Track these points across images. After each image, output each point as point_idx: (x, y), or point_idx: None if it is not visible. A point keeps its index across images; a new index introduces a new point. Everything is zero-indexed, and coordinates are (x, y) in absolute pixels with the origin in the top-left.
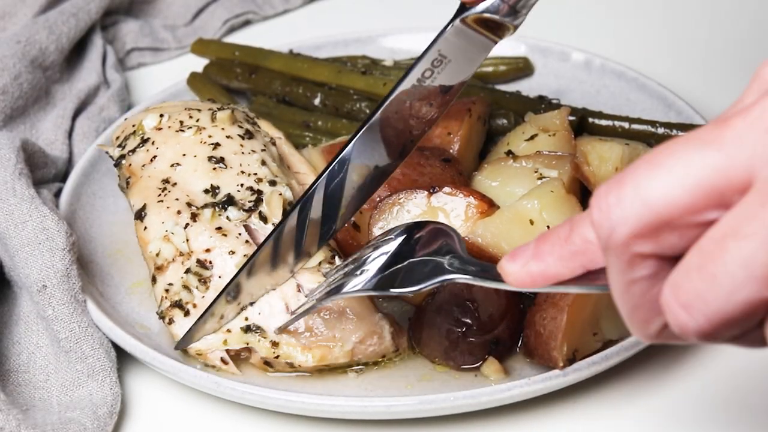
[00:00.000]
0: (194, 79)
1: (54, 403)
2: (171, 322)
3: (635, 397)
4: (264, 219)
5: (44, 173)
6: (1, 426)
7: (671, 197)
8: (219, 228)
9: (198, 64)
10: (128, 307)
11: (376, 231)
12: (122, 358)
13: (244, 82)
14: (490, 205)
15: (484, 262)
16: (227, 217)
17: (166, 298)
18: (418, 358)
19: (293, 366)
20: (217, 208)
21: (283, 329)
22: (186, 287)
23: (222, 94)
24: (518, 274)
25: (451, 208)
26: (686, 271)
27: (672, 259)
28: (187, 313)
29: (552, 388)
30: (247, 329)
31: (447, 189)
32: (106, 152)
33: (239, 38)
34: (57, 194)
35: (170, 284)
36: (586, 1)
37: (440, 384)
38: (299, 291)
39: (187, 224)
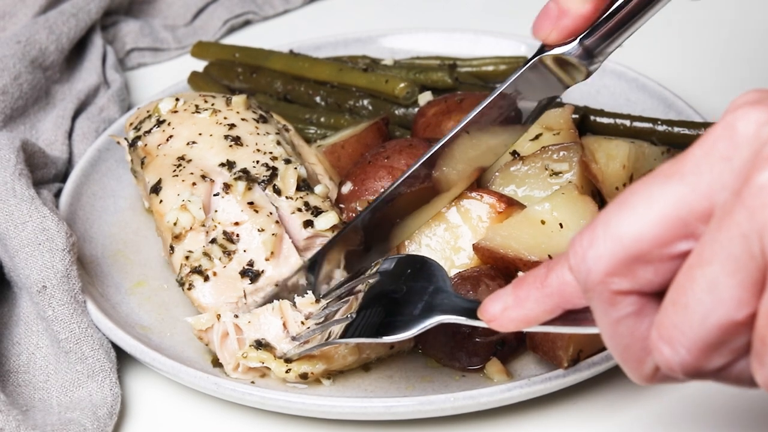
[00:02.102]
0: (195, 78)
1: (54, 403)
2: (191, 287)
3: (635, 398)
4: (278, 192)
5: (44, 174)
6: (1, 427)
7: (639, 232)
8: (251, 203)
9: (198, 63)
10: (128, 307)
11: None
12: (122, 358)
13: (245, 81)
14: (509, 204)
15: (472, 299)
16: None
17: (185, 265)
18: (419, 358)
19: (306, 377)
20: (249, 182)
21: (292, 356)
22: (207, 255)
23: (224, 92)
24: (500, 320)
25: (470, 207)
26: (664, 307)
27: (654, 296)
28: (206, 279)
29: (552, 389)
30: (258, 345)
31: (467, 193)
32: (117, 142)
33: (239, 38)
34: (57, 194)
35: (190, 251)
36: None
37: (440, 384)
38: (294, 307)
39: (217, 193)
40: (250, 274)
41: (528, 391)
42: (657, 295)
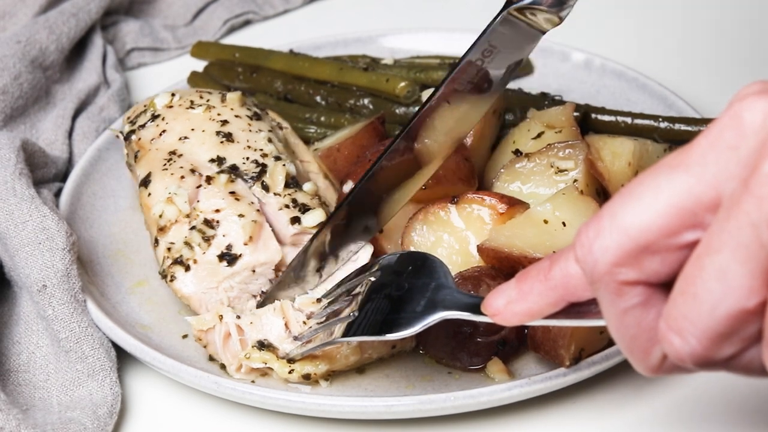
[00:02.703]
0: (195, 78)
1: (54, 402)
2: (173, 279)
3: (636, 397)
4: (266, 188)
5: (44, 173)
6: (1, 426)
7: (645, 222)
8: (233, 192)
9: (198, 63)
10: (128, 307)
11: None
12: (122, 358)
13: (245, 81)
14: (510, 204)
15: (475, 295)
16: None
17: (167, 257)
18: (419, 358)
19: (309, 377)
20: (231, 174)
21: (295, 356)
22: (187, 244)
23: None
24: (504, 314)
25: (472, 210)
26: (673, 298)
27: (661, 286)
28: (187, 269)
29: (552, 388)
30: (261, 346)
31: (468, 196)
32: (117, 136)
33: (239, 38)
34: (57, 194)
35: (172, 243)
36: (586, 2)
37: (440, 384)
38: (294, 307)
39: (200, 185)
40: (228, 257)
41: (528, 390)
42: (664, 285)
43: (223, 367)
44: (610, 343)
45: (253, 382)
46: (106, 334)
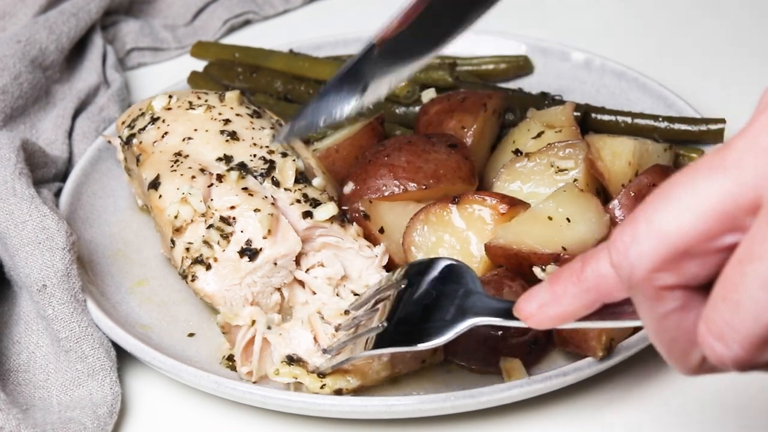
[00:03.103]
0: (195, 78)
1: (54, 402)
2: (194, 278)
3: (636, 396)
4: (277, 184)
5: (44, 173)
6: (1, 425)
7: (683, 227)
8: (245, 188)
9: (198, 63)
10: (128, 306)
11: (413, 241)
12: (122, 357)
13: (245, 81)
14: (511, 205)
15: (504, 300)
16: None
17: (186, 257)
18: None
19: (341, 392)
20: (242, 171)
21: (324, 369)
22: (206, 243)
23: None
24: (537, 317)
25: (473, 210)
26: (714, 302)
27: (700, 288)
28: (208, 267)
29: (552, 387)
30: (290, 361)
31: (469, 197)
32: (109, 141)
33: (239, 38)
34: (57, 194)
35: (190, 243)
36: (586, 1)
37: (441, 383)
38: (323, 319)
39: (212, 184)
40: (249, 252)
41: (528, 390)
42: (702, 287)
43: (231, 359)
44: (636, 330)
45: (254, 382)
46: (106, 334)
